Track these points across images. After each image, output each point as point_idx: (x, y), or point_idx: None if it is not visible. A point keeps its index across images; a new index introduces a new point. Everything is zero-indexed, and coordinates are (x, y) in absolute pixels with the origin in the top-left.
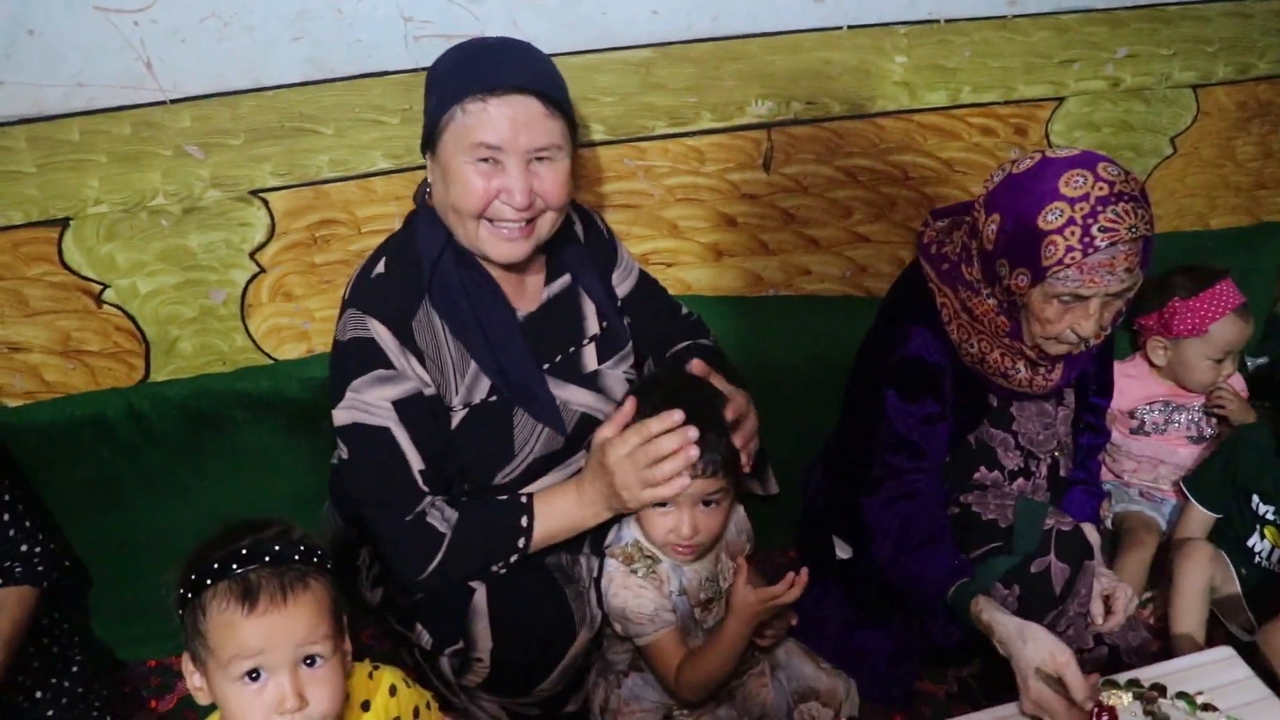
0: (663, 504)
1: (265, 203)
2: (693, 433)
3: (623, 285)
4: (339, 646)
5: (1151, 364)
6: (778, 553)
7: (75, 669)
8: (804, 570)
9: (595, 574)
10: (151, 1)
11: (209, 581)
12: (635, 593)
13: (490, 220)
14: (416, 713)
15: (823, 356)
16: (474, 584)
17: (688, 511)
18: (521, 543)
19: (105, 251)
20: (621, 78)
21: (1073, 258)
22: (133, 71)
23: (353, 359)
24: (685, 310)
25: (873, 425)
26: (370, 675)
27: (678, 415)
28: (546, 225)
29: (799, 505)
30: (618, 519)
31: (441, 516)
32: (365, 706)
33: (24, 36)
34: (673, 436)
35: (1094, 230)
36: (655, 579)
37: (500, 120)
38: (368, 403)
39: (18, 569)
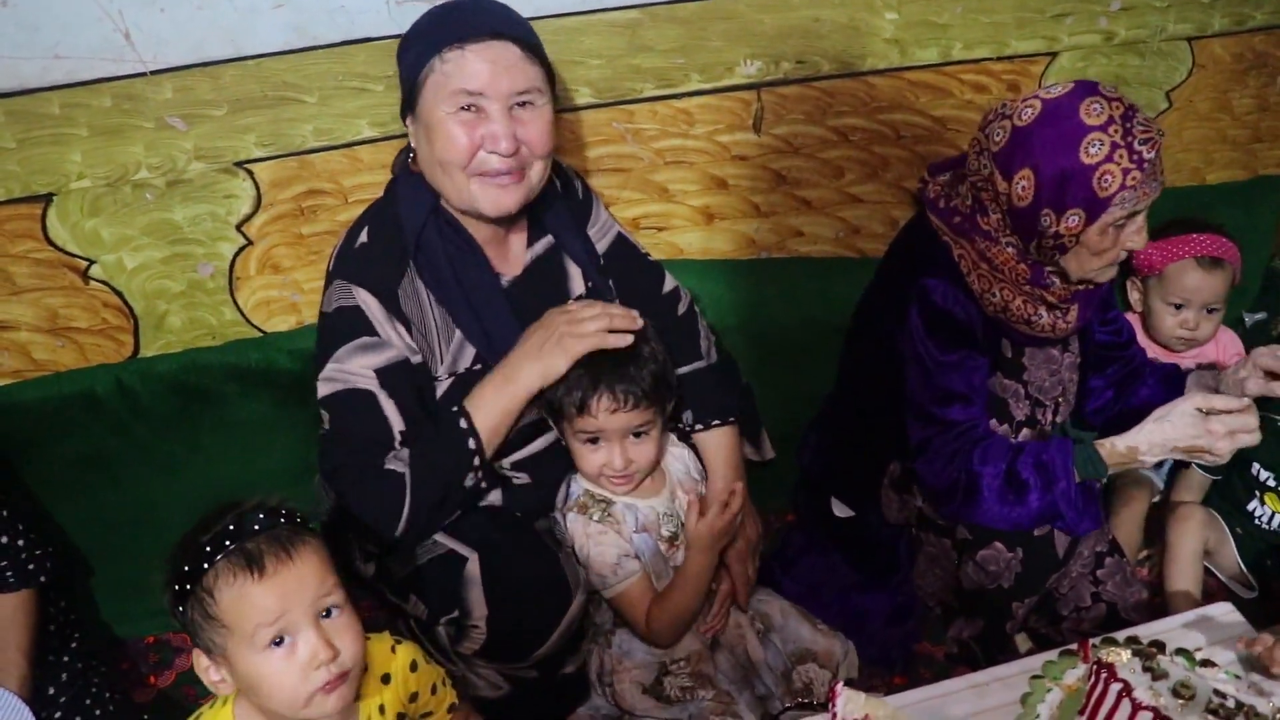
0: (593, 440)
1: (250, 174)
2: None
3: (600, 243)
4: (348, 597)
5: (1142, 322)
6: (775, 516)
7: (74, 645)
8: (739, 485)
9: None
10: None
11: (206, 565)
12: (596, 540)
13: (479, 173)
14: (434, 690)
15: (816, 319)
16: (466, 553)
17: (618, 445)
18: (471, 443)
19: (90, 227)
20: (608, 40)
21: (1133, 179)
22: (111, 43)
23: (337, 329)
24: (672, 286)
25: (897, 385)
26: (392, 649)
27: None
28: (535, 175)
29: (794, 469)
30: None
31: (397, 458)
32: (385, 679)
33: None
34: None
35: (1136, 145)
36: (612, 520)
37: (479, 66)
38: (350, 371)
39: (10, 577)
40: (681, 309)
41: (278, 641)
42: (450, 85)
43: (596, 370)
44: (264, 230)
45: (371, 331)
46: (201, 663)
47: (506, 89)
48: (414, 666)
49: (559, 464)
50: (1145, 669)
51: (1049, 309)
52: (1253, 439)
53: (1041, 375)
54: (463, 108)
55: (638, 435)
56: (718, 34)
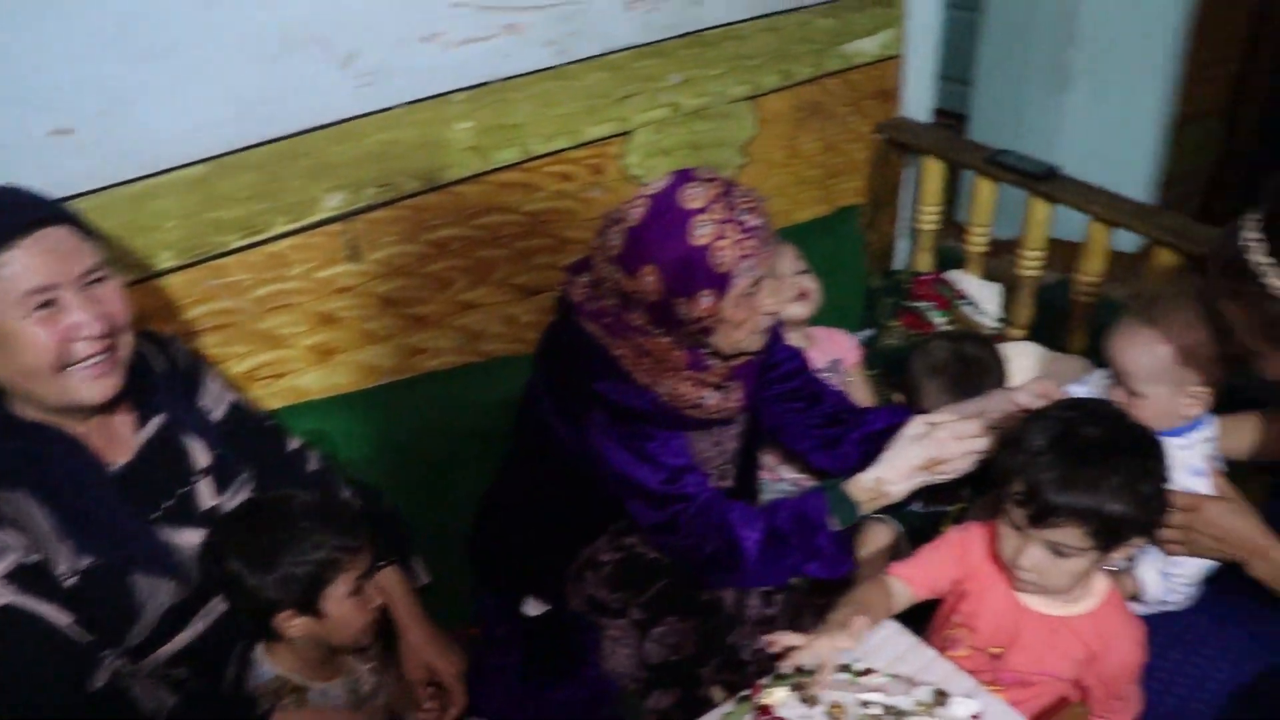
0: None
1: None
2: None
3: (215, 412)
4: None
5: None
6: (462, 631)
7: None
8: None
9: None
10: None
11: None
12: None
13: (69, 365)
14: None
15: (451, 427)
16: None
17: None
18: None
19: None
20: (180, 198)
21: (745, 248)
22: None
23: None
24: (297, 445)
25: (586, 479)
26: None
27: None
28: (126, 348)
29: (463, 582)
30: None
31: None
32: None
33: None
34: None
35: (740, 216)
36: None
37: (40, 259)
38: None
39: None
40: (312, 465)
41: None
42: (17, 289)
43: None
44: None
45: None
46: None
47: (77, 272)
48: None
49: None
50: (803, 699)
51: (715, 389)
52: (980, 444)
53: (705, 446)
54: (37, 307)
55: None
56: (295, 173)
